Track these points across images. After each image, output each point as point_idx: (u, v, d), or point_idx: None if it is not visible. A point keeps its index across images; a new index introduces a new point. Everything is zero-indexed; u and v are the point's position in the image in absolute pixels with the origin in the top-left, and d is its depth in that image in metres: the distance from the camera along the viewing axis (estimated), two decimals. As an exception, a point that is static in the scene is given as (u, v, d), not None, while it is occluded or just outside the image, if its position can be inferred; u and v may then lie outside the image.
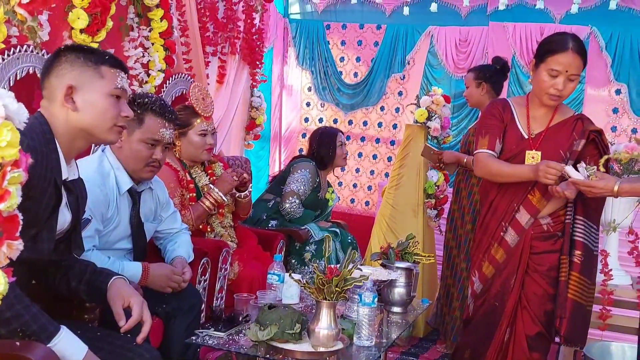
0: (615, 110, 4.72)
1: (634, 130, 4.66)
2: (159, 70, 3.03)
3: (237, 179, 2.87)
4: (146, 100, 2.21)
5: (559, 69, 2.13)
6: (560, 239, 2.25)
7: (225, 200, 2.85)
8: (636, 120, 4.64)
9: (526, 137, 2.27)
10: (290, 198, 3.56)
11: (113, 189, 2.13)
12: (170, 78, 3.16)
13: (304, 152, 4.11)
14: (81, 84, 1.55)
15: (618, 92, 4.68)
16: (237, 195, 2.97)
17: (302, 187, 3.60)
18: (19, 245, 0.92)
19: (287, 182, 3.63)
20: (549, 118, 2.27)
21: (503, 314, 2.28)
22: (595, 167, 2.01)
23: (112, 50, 2.55)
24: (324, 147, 3.78)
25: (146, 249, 2.31)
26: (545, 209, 2.25)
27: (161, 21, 3.03)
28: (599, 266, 3.34)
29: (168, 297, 2.19)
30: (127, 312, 1.60)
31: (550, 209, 2.26)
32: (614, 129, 4.70)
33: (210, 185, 2.85)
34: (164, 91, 3.11)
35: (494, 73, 3.46)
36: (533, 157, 2.21)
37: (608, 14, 4.52)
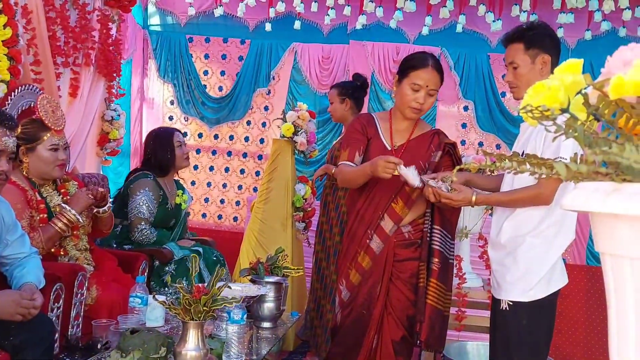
0: (464, 125, 5.13)
1: (481, 144, 5.10)
2: (1, 81, 2.78)
3: (92, 197, 2.70)
4: None
5: (421, 83, 2.29)
6: (419, 247, 2.37)
7: (80, 220, 2.66)
8: (482, 134, 5.08)
9: (389, 148, 2.39)
10: (138, 226, 3.27)
11: (-53, 212, 1.91)
12: (16, 90, 2.91)
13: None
14: None
15: (466, 108, 5.10)
16: (95, 211, 2.79)
17: (146, 210, 3.29)
18: None
19: (129, 207, 3.29)
20: (410, 131, 2.42)
21: (371, 321, 2.35)
22: (451, 178, 2.15)
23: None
24: (160, 151, 3.47)
25: (-12, 277, 2.09)
26: (407, 217, 2.37)
27: (4, 28, 2.79)
28: (454, 270, 3.60)
29: (15, 328, 1.99)
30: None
31: (411, 217, 2.38)
32: (463, 142, 5.10)
33: (63, 204, 2.65)
34: (8, 104, 2.85)
35: (356, 89, 3.61)
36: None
37: (455, 36, 4.93)
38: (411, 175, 2.14)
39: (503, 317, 2.07)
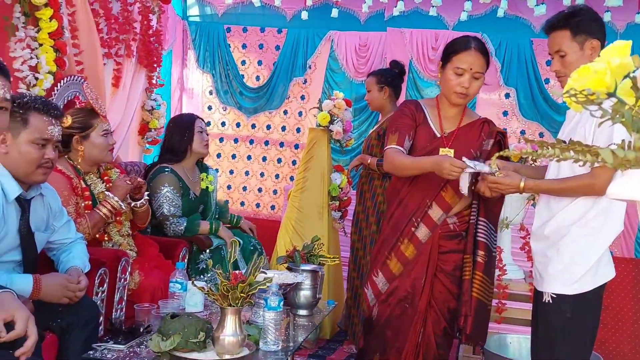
0: (505, 113, 5.03)
1: (523, 132, 4.99)
2: (47, 73, 2.85)
3: (130, 183, 2.77)
4: (26, 99, 2.07)
5: (464, 67, 2.26)
6: (463, 239, 2.33)
7: (123, 207, 2.73)
8: (524, 122, 4.97)
9: (439, 135, 2.36)
10: (166, 223, 3.27)
11: (-2, 198, 1.98)
12: (62, 81, 2.99)
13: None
14: None
15: (507, 96, 5.00)
16: (132, 204, 2.85)
17: (171, 206, 3.26)
18: None
19: (154, 206, 3.24)
20: (459, 119, 2.38)
21: (416, 316, 2.32)
22: (497, 164, 2.11)
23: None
24: (177, 135, 3.41)
25: (37, 260, 2.17)
26: (456, 207, 2.34)
27: (50, 21, 2.86)
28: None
29: (63, 312, 2.06)
30: (12, 328, 1.49)
31: (459, 207, 2.35)
32: (504, 130, 5.01)
33: (106, 192, 2.73)
34: (54, 95, 2.93)
35: (394, 77, 3.58)
36: (447, 155, 2.30)
37: (496, 21, 4.83)
38: (463, 181, 2.13)
39: (545, 310, 2.01)
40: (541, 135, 4.94)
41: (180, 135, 3.41)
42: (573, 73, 0.72)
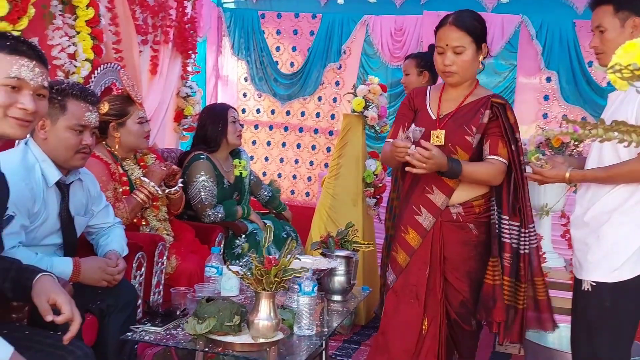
0: (546, 98, 4.89)
1: (565, 117, 4.86)
2: (85, 60, 2.91)
3: (165, 169, 2.80)
4: (64, 85, 2.11)
5: (442, 44, 2.18)
6: (471, 232, 2.23)
7: (159, 192, 2.78)
8: (566, 106, 4.82)
9: (434, 118, 2.27)
10: (204, 213, 3.29)
11: (39, 183, 2.03)
12: (99, 68, 3.04)
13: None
14: None
15: (549, 79, 4.86)
16: (166, 191, 2.89)
17: (205, 197, 3.27)
18: None
19: (190, 195, 3.26)
20: (462, 99, 2.26)
21: (423, 310, 2.22)
22: (543, 157, 2.06)
23: (35, 39, 2.42)
24: (212, 124, 3.42)
25: (77, 243, 2.22)
26: (457, 196, 2.22)
27: (87, 8, 2.91)
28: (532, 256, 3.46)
29: (102, 294, 2.12)
30: (57, 311, 1.53)
31: (463, 196, 2.23)
32: (545, 115, 4.88)
33: (143, 177, 2.78)
34: (92, 82, 2.99)
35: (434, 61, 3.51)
36: (437, 137, 2.22)
37: (537, 3, 4.69)
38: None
39: (585, 299, 1.96)
40: (583, 119, 4.80)
41: (214, 126, 3.42)
42: (618, 49, 0.68)
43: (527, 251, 2.19)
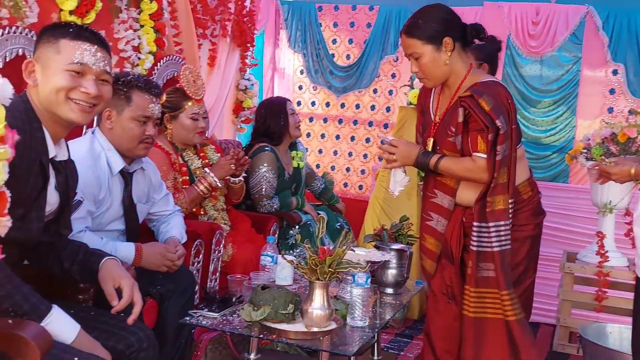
0: (612, 91, 4.70)
1: (631, 112, 4.66)
2: (148, 53, 3.00)
3: (233, 167, 2.85)
4: (130, 77, 2.19)
5: (405, 52, 2.12)
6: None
7: (219, 185, 2.84)
8: (633, 101, 4.62)
9: (432, 120, 2.20)
10: (260, 203, 3.34)
11: (104, 171, 2.12)
12: (161, 60, 3.13)
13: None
14: (42, 59, 1.52)
15: (615, 72, 4.66)
16: (231, 180, 2.95)
17: (265, 188, 3.33)
18: (7, 222, 0.92)
19: (250, 183, 3.32)
20: (451, 98, 2.14)
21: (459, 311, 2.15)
22: (606, 158, 2.00)
23: (102, 32, 2.51)
24: (272, 118, 3.45)
25: (139, 230, 2.30)
26: (466, 195, 2.12)
27: (151, 2, 3.00)
28: (594, 247, 3.35)
29: (162, 279, 2.19)
30: (120, 294, 1.60)
31: (471, 195, 2.10)
32: (610, 110, 4.69)
33: (206, 169, 2.84)
34: (154, 74, 3.08)
35: (492, 53, 3.44)
36: (427, 143, 2.19)
37: (605, -7, 4.50)
38: (394, 179, 2.11)
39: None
40: (652, 115, 4.59)
41: (276, 120, 3.46)
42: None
43: (491, 249, 2.03)
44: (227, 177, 2.92)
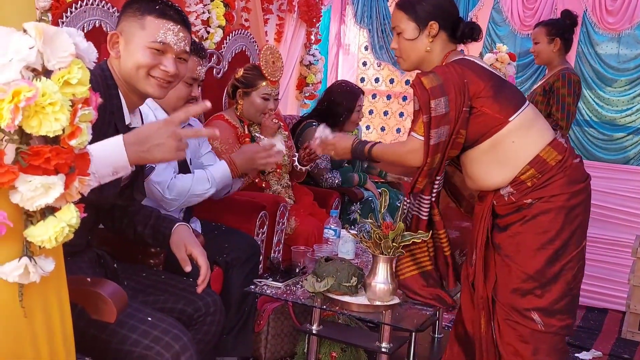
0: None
1: None
2: (217, 27, 3.04)
3: (276, 121, 2.84)
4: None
5: (392, 27, 2.00)
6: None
7: (273, 143, 2.83)
8: None
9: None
10: (321, 177, 3.33)
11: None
12: (230, 34, 3.17)
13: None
14: (125, 33, 1.56)
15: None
16: (298, 168, 2.93)
17: (323, 160, 3.29)
18: (90, 181, 0.95)
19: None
20: None
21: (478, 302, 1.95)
22: None
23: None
24: (337, 106, 3.34)
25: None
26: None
27: (221, -24, 3.03)
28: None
29: (228, 248, 2.24)
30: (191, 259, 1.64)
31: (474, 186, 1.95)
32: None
33: (258, 135, 2.84)
34: (224, 47, 3.12)
35: (567, 28, 3.30)
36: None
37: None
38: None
39: None
40: None
41: (339, 109, 3.35)
42: None
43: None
44: (295, 164, 2.94)
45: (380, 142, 2.02)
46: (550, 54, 3.29)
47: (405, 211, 2.02)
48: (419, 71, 1.98)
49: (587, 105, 4.54)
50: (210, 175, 2.13)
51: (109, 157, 1.27)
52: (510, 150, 1.83)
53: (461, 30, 1.95)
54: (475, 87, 1.82)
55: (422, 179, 1.90)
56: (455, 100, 1.80)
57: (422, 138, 1.84)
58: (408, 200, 2.02)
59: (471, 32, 1.97)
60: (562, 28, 3.28)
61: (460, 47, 2.04)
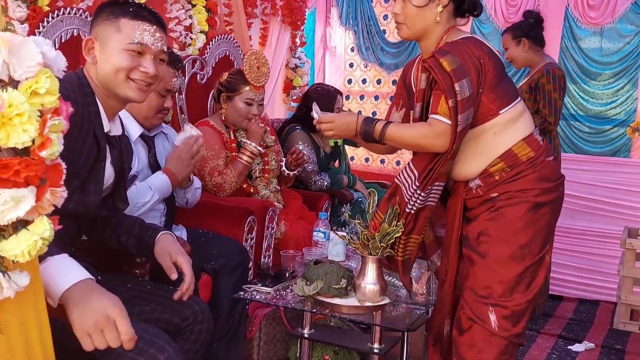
0: None
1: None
2: (200, 32, 3.03)
3: (262, 125, 2.83)
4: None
5: None
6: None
7: (260, 149, 2.82)
8: None
9: (415, 94, 1.96)
10: (310, 180, 3.32)
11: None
12: (213, 40, 3.15)
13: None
14: (101, 37, 1.54)
15: None
16: (285, 173, 2.93)
17: (310, 163, 3.27)
18: (62, 192, 0.93)
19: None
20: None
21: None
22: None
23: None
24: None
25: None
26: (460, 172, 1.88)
27: (202, -18, 3.02)
28: None
29: (216, 255, 2.22)
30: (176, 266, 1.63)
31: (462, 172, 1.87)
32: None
33: (243, 139, 2.83)
34: (207, 53, 3.11)
35: (531, 27, 3.30)
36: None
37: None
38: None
39: None
40: None
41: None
42: None
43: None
44: (282, 169, 2.92)
45: (391, 121, 1.88)
46: (522, 56, 3.29)
47: (412, 206, 1.86)
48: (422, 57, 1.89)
49: (573, 100, 4.56)
50: (151, 184, 2.09)
51: None
52: (490, 142, 1.80)
53: (467, 3, 1.87)
54: (487, 70, 1.75)
55: (443, 167, 1.77)
56: (476, 80, 1.72)
57: (448, 121, 1.71)
58: (418, 194, 1.83)
59: (474, 7, 1.90)
60: (525, 28, 3.29)
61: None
